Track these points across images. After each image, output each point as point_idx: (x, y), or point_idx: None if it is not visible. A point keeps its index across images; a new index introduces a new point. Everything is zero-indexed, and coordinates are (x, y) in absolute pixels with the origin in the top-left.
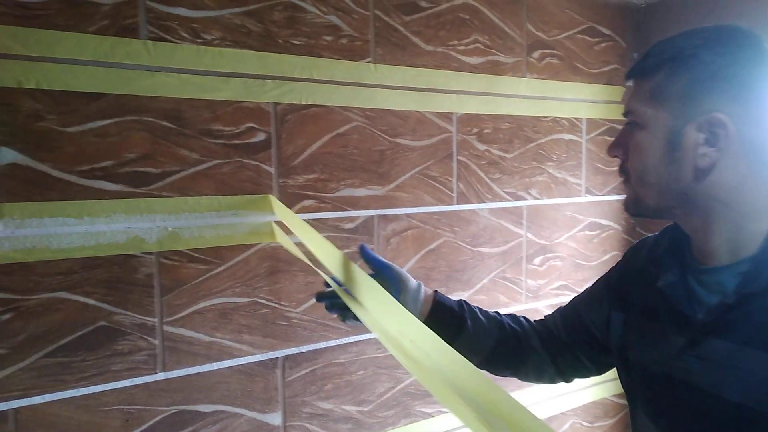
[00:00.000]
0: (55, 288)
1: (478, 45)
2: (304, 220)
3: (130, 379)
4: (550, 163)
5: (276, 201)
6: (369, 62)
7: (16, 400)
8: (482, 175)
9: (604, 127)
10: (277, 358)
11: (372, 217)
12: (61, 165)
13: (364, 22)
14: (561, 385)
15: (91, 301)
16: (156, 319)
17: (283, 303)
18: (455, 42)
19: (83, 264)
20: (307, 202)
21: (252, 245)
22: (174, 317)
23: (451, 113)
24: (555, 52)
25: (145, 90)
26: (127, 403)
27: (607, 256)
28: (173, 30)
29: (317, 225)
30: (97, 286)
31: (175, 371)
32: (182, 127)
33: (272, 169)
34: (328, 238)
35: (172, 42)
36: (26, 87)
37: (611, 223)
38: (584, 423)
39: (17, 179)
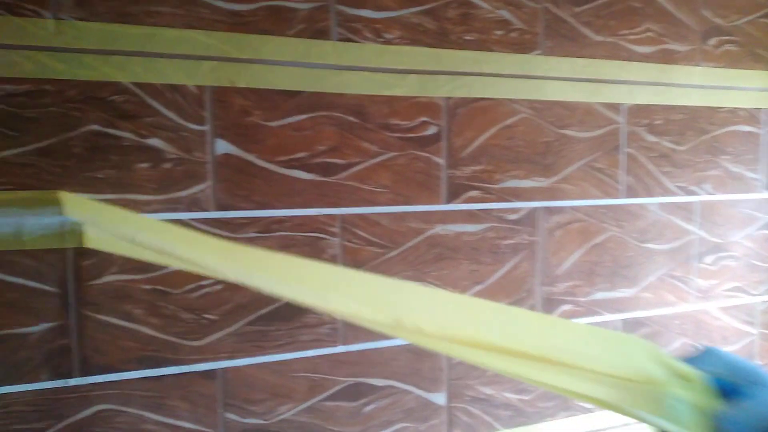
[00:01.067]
0: None
1: (649, 33)
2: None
3: (314, 350)
4: (725, 157)
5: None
6: (538, 54)
7: (224, 361)
8: (652, 168)
9: None
10: None
11: (536, 208)
12: (264, 155)
13: (533, 16)
14: None
15: None
16: None
17: (449, 288)
18: (626, 31)
19: (280, 243)
20: (472, 193)
21: (421, 231)
22: None
23: (620, 104)
24: (733, 38)
25: (334, 87)
26: (312, 371)
27: None
28: (359, 31)
29: (481, 215)
30: None
31: (353, 345)
32: (364, 121)
33: (442, 161)
34: (491, 228)
35: (357, 42)
36: (237, 86)
37: None
38: None
39: (230, 167)
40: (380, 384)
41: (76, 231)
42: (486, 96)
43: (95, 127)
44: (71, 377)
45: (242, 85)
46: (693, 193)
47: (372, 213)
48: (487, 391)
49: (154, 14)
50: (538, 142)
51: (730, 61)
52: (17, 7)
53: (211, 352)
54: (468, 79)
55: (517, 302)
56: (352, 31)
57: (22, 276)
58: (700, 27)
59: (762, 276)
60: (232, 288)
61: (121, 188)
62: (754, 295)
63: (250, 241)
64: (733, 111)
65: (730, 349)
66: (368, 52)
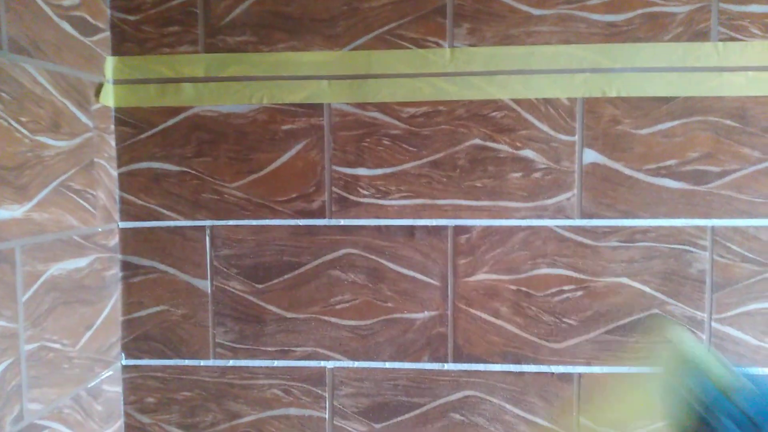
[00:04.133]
0: (618, 274)
1: None
2: None
3: None
4: None
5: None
6: None
7: (581, 366)
8: None
9: None
10: None
11: None
12: (631, 164)
13: None
14: None
15: (647, 289)
16: (705, 315)
17: None
18: None
19: (643, 254)
20: None
21: None
22: (722, 315)
23: None
24: None
25: (712, 91)
26: None
27: None
28: (744, 28)
29: None
30: (654, 276)
31: None
32: (745, 125)
33: None
34: None
35: (741, 40)
36: (608, 95)
37: None
38: None
39: (596, 176)
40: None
41: None
42: None
43: (477, 141)
44: (446, 362)
45: (613, 94)
46: None
47: (750, 225)
48: None
49: (533, 34)
50: None
51: None
52: (423, 40)
53: (569, 355)
54: None
55: None
56: (736, 29)
57: (413, 269)
58: None
59: None
60: (592, 295)
61: (496, 196)
62: None
63: (613, 250)
64: None
65: None
66: (754, 50)
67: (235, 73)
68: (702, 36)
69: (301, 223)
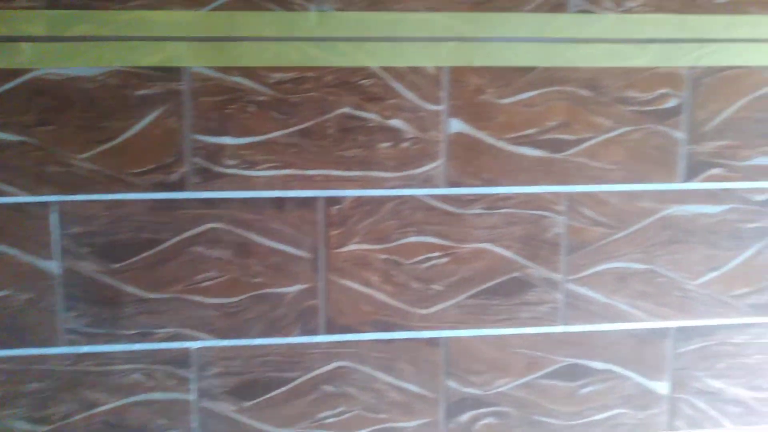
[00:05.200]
0: (482, 239)
1: None
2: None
3: (534, 327)
4: None
5: None
6: None
7: (448, 330)
8: None
9: None
10: (668, 328)
11: None
12: (494, 133)
13: None
14: None
15: (509, 254)
16: (560, 276)
17: (679, 274)
18: None
19: (505, 220)
20: (714, 171)
21: (654, 212)
22: (576, 276)
23: None
24: None
25: (569, 61)
26: (531, 348)
27: None
28: (599, 1)
29: (723, 195)
30: (514, 241)
31: (574, 326)
32: (598, 95)
33: (682, 135)
34: (733, 210)
35: (595, 13)
36: (473, 65)
37: None
38: None
39: (461, 145)
40: (599, 367)
41: None
42: (737, 64)
43: (347, 109)
44: (317, 334)
45: (478, 64)
46: None
47: (601, 191)
48: (716, 384)
49: (401, 0)
50: None
51: None
52: (289, 2)
53: (436, 321)
54: (716, 46)
55: (757, 291)
56: (592, 1)
57: (283, 242)
58: None
59: None
60: (458, 261)
61: (366, 166)
62: None
63: (477, 217)
64: None
65: None
66: (607, 23)
67: (81, 32)
68: (560, 7)
69: (159, 197)
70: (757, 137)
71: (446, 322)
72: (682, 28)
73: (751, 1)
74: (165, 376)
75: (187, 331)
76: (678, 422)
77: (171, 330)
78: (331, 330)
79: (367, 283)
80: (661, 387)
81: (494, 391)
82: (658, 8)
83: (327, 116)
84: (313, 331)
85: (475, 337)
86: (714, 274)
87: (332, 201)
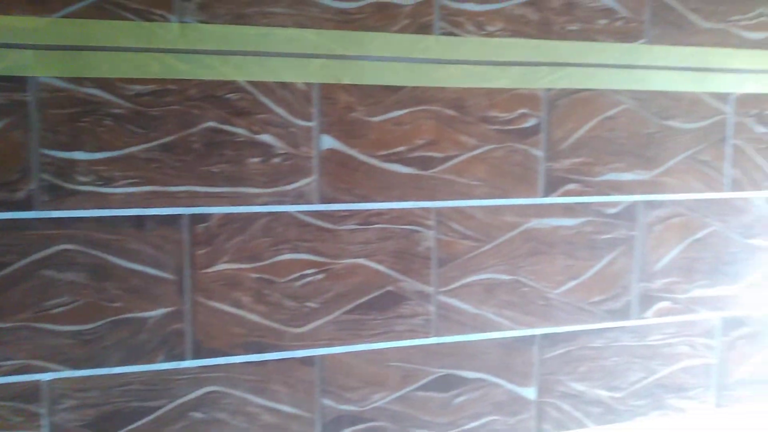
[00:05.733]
0: (356, 255)
1: (762, 19)
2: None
3: (408, 340)
4: None
5: None
6: (643, 43)
7: (323, 348)
8: (760, 161)
9: None
10: (534, 335)
11: (636, 202)
12: (366, 150)
13: (640, 3)
14: None
15: (382, 268)
16: (432, 289)
17: (542, 283)
18: (737, 17)
19: (378, 235)
20: (570, 186)
21: (516, 225)
22: (447, 288)
23: (728, 94)
24: None
25: (435, 81)
26: (406, 361)
27: None
28: (461, 24)
29: (579, 209)
30: (387, 255)
31: (446, 337)
32: (464, 114)
33: (540, 153)
34: (589, 222)
35: (459, 36)
36: (343, 83)
37: None
38: None
39: (333, 162)
40: (471, 376)
41: None
42: (588, 87)
43: (212, 124)
44: (184, 359)
45: (347, 81)
46: None
47: (467, 206)
48: (579, 387)
49: (268, 15)
50: (641, 134)
51: None
52: (148, 12)
53: (311, 339)
54: (570, 70)
55: (612, 298)
56: (455, 24)
57: (143, 263)
58: None
59: None
60: (333, 277)
61: (235, 182)
62: None
63: (351, 233)
64: None
65: None
66: (470, 45)
67: None
68: (426, 29)
69: (3, 217)
70: (608, 155)
71: (321, 340)
72: (539, 52)
73: (599, 29)
74: (11, 413)
75: (37, 363)
76: (546, 425)
77: (18, 362)
78: (199, 354)
79: (237, 304)
80: (529, 392)
81: (370, 406)
82: (517, 33)
83: (191, 130)
84: (180, 357)
85: (350, 353)
86: (573, 282)
87: (198, 219)
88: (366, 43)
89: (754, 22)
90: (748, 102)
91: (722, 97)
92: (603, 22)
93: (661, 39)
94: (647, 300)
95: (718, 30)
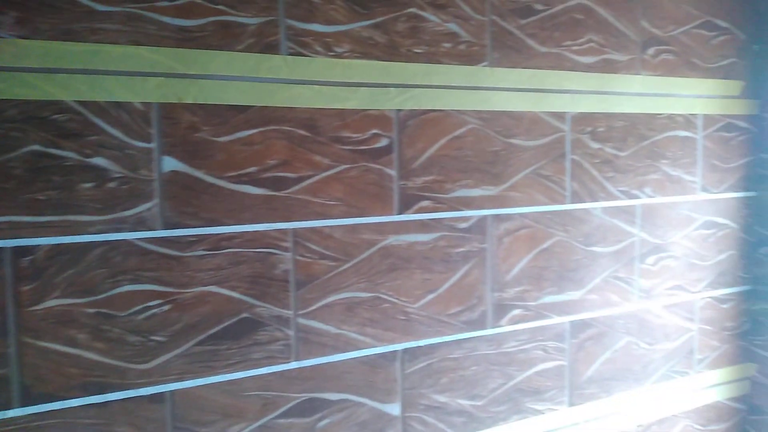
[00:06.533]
0: (207, 282)
1: (592, 44)
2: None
3: (267, 367)
4: (664, 161)
5: None
6: (485, 66)
7: (173, 383)
8: (596, 173)
9: (721, 123)
10: (396, 351)
11: (485, 216)
12: (213, 171)
13: (481, 28)
14: (672, 387)
15: (236, 295)
16: (291, 312)
17: (402, 298)
18: (569, 42)
19: (230, 261)
20: (424, 203)
21: (374, 242)
22: (306, 310)
23: (565, 113)
24: (670, 48)
25: (284, 101)
26: (264, 389)
27: (722, 256)
28: (309, 45)
29: (433, 224)
30: (241, 281)
31: (306, 361)
32: (316, 134)
33: (393, 172)
34: (443, 237)
35: (307, 56)
36: (185, 102)
37: (728, 222)
38: (697, 426)
39: (177, 184)
40: (334, 398)
41: None
42: (435, 107)
43: (36, 147)
44: (11, 408)
45: (190, 101)
46: (635, 196)
47: (325, 226)
48: (441, 399)
49: (98, 31)
50: (487, 152)
51: (667, 70)
52: None
53: (158, 374)
54: (417, 92)
55: (469, 309)
56: (303, 45)
57: None
58: (639, 37)
59: (700, 274)
60: (181, 308)
61: (64, 209)
62: (693, 292)
63: (199, 259)
64: (671, 117)
65: (671, 345)
66: (319, 66)
67: None
68: (273, 48)
69: None
70: (457, 172)
71: (171, 375)
72: (387, 73)
73: (443, 52)
74: None
75: None
76: None
77: None
78: (28, 401)
79: (72, 343)
80: (393, 408)
81: None
82: (365, 54)
83: (11, 155)
84: (5, 405)
85: (203, 385)
86: (431, 296)
87: (22, 251)
88: (208, 62)
89: (584, 47)
90: (582, 120)
91: (559, 116)
92: (447, 45)
93: (501, 62)
94: (501, 309)
95: (553, 54)
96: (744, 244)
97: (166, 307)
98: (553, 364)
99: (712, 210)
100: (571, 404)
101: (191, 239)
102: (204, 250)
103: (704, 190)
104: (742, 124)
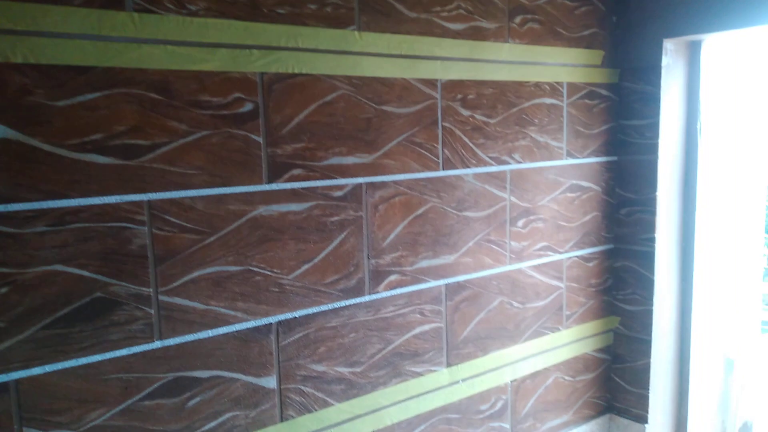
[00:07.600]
0: (51, 261)
1: (460, 11)
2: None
3: (127, 348)
4: (532, 128)
5: None
6: (354, 30)
7: (17, 372)
8: (467, 140)
9: (584, 91)
10: (271, 324)
11: (360, 184)
12: (51, 139)
13: None
14: (544, 342)
15: (87, 273)
16: (151, 289)
17: (275, 270)
18: (438, 8)
19: (77, 237)
20: (296, 171)
21: (243, 213)
22: (169, 287)
23: (436, 80)
24: (536, 17)
25: (132, 62)
26: (125, 371)
27: (587, 217)
28: (158, 1)
29: (306, 193)
30: (92, 258)
31: (171, 339)
32: (171, 98)
33: (260, 139)
34: (317, 206)
35: (157, 13)
36: (13, 61)
37: (591, 185)
38: (567, 378)
39: (9, 154)
40: (204, 375)
41: None
42: (303, 71)
43: None
44: None
45: (19, 60)
46: (504, 162)
47: (185, 197)
48: (319, 368)
49: None
50: (359, 119)
51: (534, 38)
52: None
53: (1, 363)
54: (283, 54)
55: (345, 277)
56: (151, 1)
57: None
58: (506, 5)
59: (567, 235)
60: (22, 290)
61: None
62: (561, 252)
63: (41, 236)
64: (538, 85)
65: (542, 303)
66: (171, 24)
67: None
68: (116, 5)
69: None
70: (330, 139)
71: (15, 362)
72: (249, 34)
73: (309, 14)
74: None
75: None
76: (289, 412)
77: None
78: None
79: None
80: (269, 381)
81: (88, 426)
82: (223, 14)
83: None
84: None
85: (54, 372)
86: (307, 266)
87: None
88: (40, 17)
89: (453, 13)
90: (453, 87)
91: (431, 83)
92: (312, 6)
93: (370, 26)
94: (378, 275)
95: (423, 20)
96: (606, 206)
97: (4, 290)
98: (430, 326)
99: (577, 174)
100: (449, 365)
101: (29, 214)
102: (45, 225)
103: (569, 155)
104: (603, 92)
